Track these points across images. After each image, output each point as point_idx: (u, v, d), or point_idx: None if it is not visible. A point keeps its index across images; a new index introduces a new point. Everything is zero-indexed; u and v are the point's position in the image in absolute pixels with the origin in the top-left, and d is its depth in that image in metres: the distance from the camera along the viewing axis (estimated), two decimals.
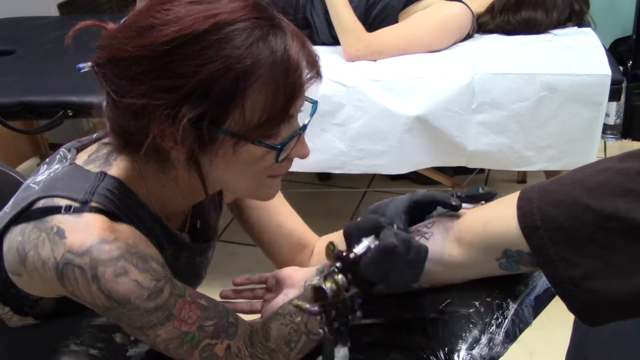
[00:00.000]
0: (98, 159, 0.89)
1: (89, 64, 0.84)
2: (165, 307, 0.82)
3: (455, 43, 1.95)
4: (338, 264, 0.82)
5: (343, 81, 1.82)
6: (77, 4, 2.98)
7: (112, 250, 0.79)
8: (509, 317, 0.88)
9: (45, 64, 2.13)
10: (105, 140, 0.91)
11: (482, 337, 0.86)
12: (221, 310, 0.89)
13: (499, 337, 0.86)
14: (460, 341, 0.86)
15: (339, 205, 2.57)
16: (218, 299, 1.09)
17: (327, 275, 0.82)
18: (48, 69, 2.09)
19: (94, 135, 0.96)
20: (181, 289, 0.86)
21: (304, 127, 0.86)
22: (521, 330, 0.89)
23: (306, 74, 0.82)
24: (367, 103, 1.81)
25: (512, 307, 0.89)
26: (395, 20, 1.96)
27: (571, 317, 0.80)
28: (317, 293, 0.81)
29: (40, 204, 0.83)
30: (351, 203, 2.59)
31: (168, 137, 0.79)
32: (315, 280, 0.80)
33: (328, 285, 0.81)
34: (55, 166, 0.90)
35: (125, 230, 0.83)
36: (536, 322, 0.93)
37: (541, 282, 0.92)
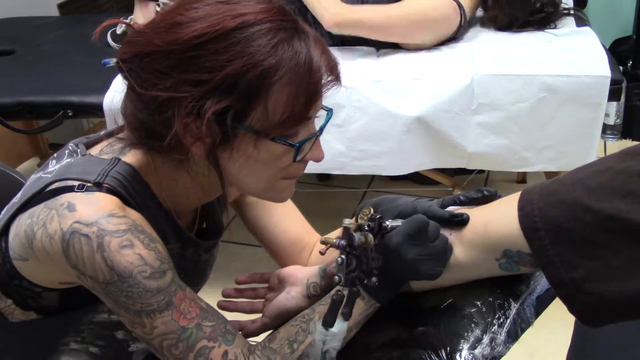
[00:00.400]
0: (112, 152, 0.91)
1: (114, 59, 0.86)
2: (166, 292, 0.82)
3: (443, 36, 1.93)
4: (371, 224, 0.85)
5: (342, 82, 1.81)
6: (77, 4, 2.98)
7: (120, 223, 0.80)
8: (511, 316, 0.89)
9: (45, 64, 2.13)
10: (120, 135, 0.92)
11: (484, 336, 0.86)
12: (220, 317, 0.88)
13: (501, 337, 0.86)
14: (462, 341, 0.86)
15: (339, 205, 2.57)
16: (220, 298, 1.10)
17: (358, 228, 0.84)
18: (48, 69, 2.09)
19: (102, 133, 0.97)
20: (183, 283, 0.86)
21: (321, 130, 0.89)
22: (523, 330, 0.89)
23: (326, 77, 0.85)
24: (366, 104, 1.81)
25: (514, 306, 0.89)
26: None
27: (572, 317, 0.80)
28: (345, 233, 0.84)
29: (53, 186, 0.85)
30: (351, 203, 2.59)
31: (191, 132, 0.81)
32: (347, 222, 0.83)
33: (358, 235, 0.84)
34: (67, 159, 0.91)
35: (134, 214, 0.85)
36: (537, 322, 0.93)
37: (542, 282, 0.92)
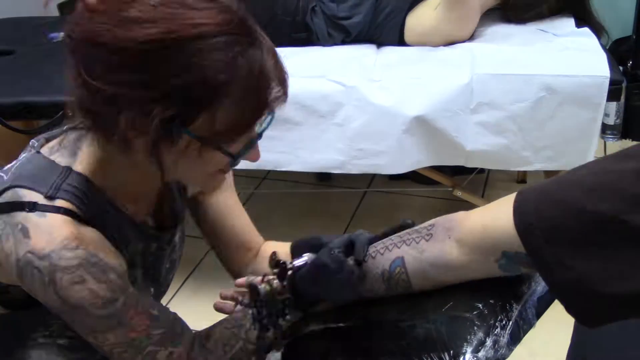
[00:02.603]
0: (65, 147, 0.91)
1: (62, 34, 0.84)
2: (117, 315, 0.86)
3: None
4: (275, 270, 0.94)
5: (342, 81, 1.82)
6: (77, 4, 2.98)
7: (72, 258, 0.82)
8: (513, 318, 0.88)
9: (45, 64, 2.13)
10: (75, 124, 0.92)
11: (487, 339, 0.86)
12: (170, 320, 0.94)
13: (504, 339, 0.86)
14: (465, 344, 0.86)
15: (339, 205, 2.57)
16: (218, 299, 1.11)
17: (264, 278, 0.94)
18: (48, 69, 2.08)
19: (65, 127, 0.96)
20: (134, 299, 0.89)
21: (260, 135, 0.89)
22: (525, 332, 0.90)
23: (276, 91, 0.84)
24: (366, 103, 1.81)
25: (516, 308, 0.89)
26: (401, 23, 1.96)
27: (572, 317, 0.80)
28: (252, 290, 0.94)
29: (8, 196, 0.85)
30: (351, 203, 2.59)
31: (135, 128, 0.80)
32: (255, 280, 0.92)
33: (262, 286, 0.94)
34: (24, 155, 0.92)
35: (89, 236, 0.85)
36: (537, 322, 0.93)
37: (543, 283, 0.92)
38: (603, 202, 0.73)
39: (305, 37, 2.03)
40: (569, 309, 0.77)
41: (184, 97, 0.79)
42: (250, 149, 0.88)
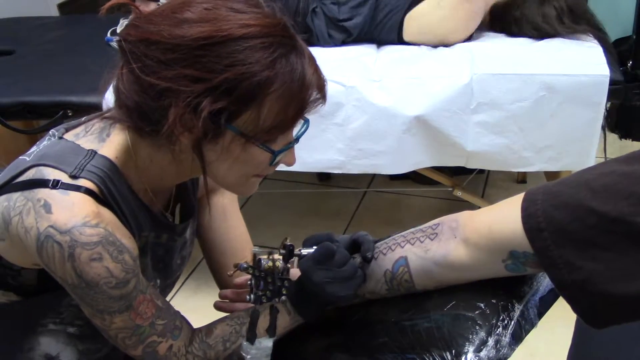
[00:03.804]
0: (91, 134, 0.94)
1: (117, 38, 0.89)
2: (128, 298, 0.88)
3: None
4: (283, 251, 0.97)
5: (342, 81, 1.82)
6: (77, 4, 2.99)
7: (93, 235, 0.84)
8: (515, 318, 0.89)
9: (45, 64, 2.13)
10: (107, 114, 0.95)
11: (489, 339, 0.86)
12: (172, 313, 0.97)
13: (506, 339, 0.87)
14: (467, 343, 0.86)
15: (339, 205, 2.57)
16: (217, 298, 1.11)
17: (270, 255, 0.97)
18: (48, 69, 2.09)
19: (83, 119, 0.99)
20: (144, 286, 0.92)
21: (297, 139, 0.94)
22: (527, 332, 0.90)
23: (314, 95, 0.90)
24: (366, 103, 1.81)
25: (518, 308, 0.90)
26: (400, 21, 1.96)
27: (573, 317, 0.80)
28: (254, 261, 0.95)
29: (31, 174, 0.88)
30: (351, 203, 2.59)
31: (183, 123, 0.84)
32: (255, 249, 0.96)
33: (265, 260, 0.97)
34: (45, 142, 0.94)
35: (108, 216, 0.87)
36: (538, 322, 0.93)
37: (545, 282, 0.92)
38: (611, 204, 0.73)
39: (305, 39, 2.03)
40: (576, 310, 0.77)
41: (231, 92, 0.84)
42: (287, 149, 0.93)
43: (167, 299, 1.03)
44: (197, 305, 1.89)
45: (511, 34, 1.99)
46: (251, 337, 0.96)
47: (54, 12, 2.88)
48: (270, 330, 0.97)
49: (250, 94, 0.84)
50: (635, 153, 0.77)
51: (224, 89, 0.83)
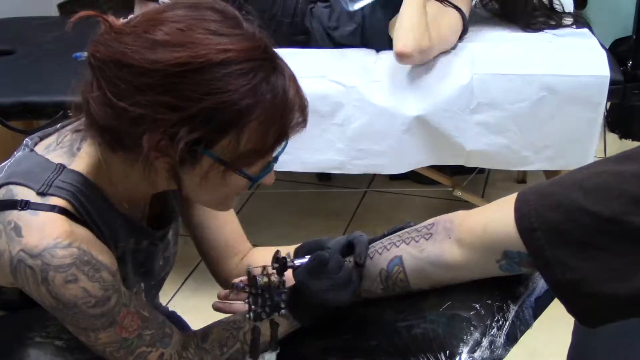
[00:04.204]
0: (62, 147, 0.91)
1: (86, 54, 0.85)
2: (110, 314, 0.87)
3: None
4: (276, 265, 0.95)
5: (342, 81, 1.82)
6: (77, 4, 2.98)
7: (65, 256, 0.82)
8: (510, 319, 0.89)
9: (45, 64, 2.13)
10: (77, 126, 0.92)
11: (483, 339, 0.86)
12: (160, 322, 0.95)
13: (500, 340, 0.87)
14: (461, 344, 0.86)
15: (339, 205, 2.57)
16: (216, 299, 1.11)
17: (264, 270, 0.96)
18: (48, 69, 2.08)
19: (58, 125, 0.97)
20: (127, 299, 0.90)
21: (276, 159, 0.92)
22: (522, 332, 0.90)
23: (297, 116, 0.87)
24: (366, 103, 1.81)
25: (513, 309, 0.89)
26: (384, 32, 1.94)
27: (572, 317, 0.80)
28: (249, 278, 0.95)
29: (1, 194, 0.85)
30: (351, 203, 2.59)
31: (159, 150, 0.82)
32: (256, 271, 0.95)
33: (260, 277, 0.95)
34: (17, 154, 0.92)
35: (82, 233, 0.85)
36: (536, 322, 0.93)
37: (541, 283, 0.92)
38: (604, 204, 0.73)
39: (304, 40, 2.03)
40: (570, 310, 0.77)
41: (209, 121, 0.80)
42: (267, 172, 0.91)
43: (166, 299, 1.02)
44: (197, 305, 1.89)
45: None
46: (254, 354, 0.95)
47: (54, 12, 2.88)
48: (273, 345, 0.96)
49: (229, 122, 0.81)
50: (626, 152, 0.77)
51: (202, 118, 0.80)
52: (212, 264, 1.20)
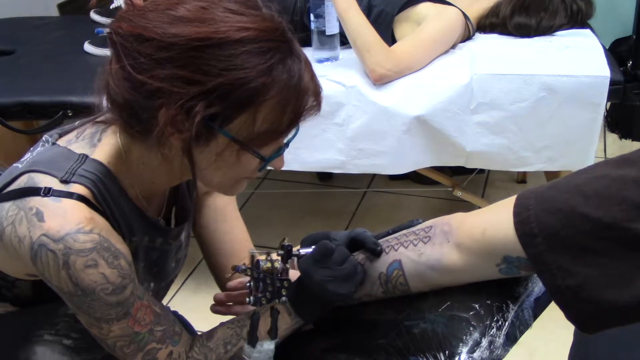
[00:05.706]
0: (83, 139, 0.93)
1: (107, 30, 0.87)
2: (125, 304, 0.87)
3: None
4: (281, 252, 0.96)
5: (342, 81, 1.82)
6: (77, 4, 2.99)
7: (87, 241, 0.82)
8: (509, 319, 0.89)
9: (45, 64, 2.13)
10: (98, 118, 0.94)
11: (482, 340, 0.86)
12: (170, 319, 0.96)
13: (500, 340, 0.87)
14: (460, 344, 0.86)
15: (339, 205, 2.58)
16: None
17: (268, 256, 0.97)
18: (48, 69, 2.09)
19: (76, 123, 0.98)
20: (141, 292, 0.91)
21: (287, 144, 0.93)
22: (521, 333, 0.90)
23: (310, 102, 0.88)
24: (366, 103, 1.81)
25: (512, 309, 0.90)
26: (388, 27, 1.95)
27: None
28: (252, 262, 0.95)
29: (22, 181, 0.86)
30: (351, 203, 2.59)
31: (174, 124, 0.83)
32: (252, 250, 0.96)
33: (263, 261, 0.96)
34: (38, 149, 0.93)
35: (101, 222, 0.86)
36: (536, 322, 0.93)
37: (540, 284, 0.92)
38: (604, 210, 0.72)
39: (304, 37, 2.02)
40: (569, 315, 0.77)
41: (226, 97, 0.81)
42: (278, 155, 0.91)
43: (166, 299, 1.02)
44: (197, 305, 1.89)
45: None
46: (252, 340, 0.95)
47: (54, 12, 2.88)
48: (272, 333, 0.96)
49: (245, 100, 0.82)
50: (626, 155, 0.76)
51: (219, 93, 0.81)
52: (216, 270, 1.20)
